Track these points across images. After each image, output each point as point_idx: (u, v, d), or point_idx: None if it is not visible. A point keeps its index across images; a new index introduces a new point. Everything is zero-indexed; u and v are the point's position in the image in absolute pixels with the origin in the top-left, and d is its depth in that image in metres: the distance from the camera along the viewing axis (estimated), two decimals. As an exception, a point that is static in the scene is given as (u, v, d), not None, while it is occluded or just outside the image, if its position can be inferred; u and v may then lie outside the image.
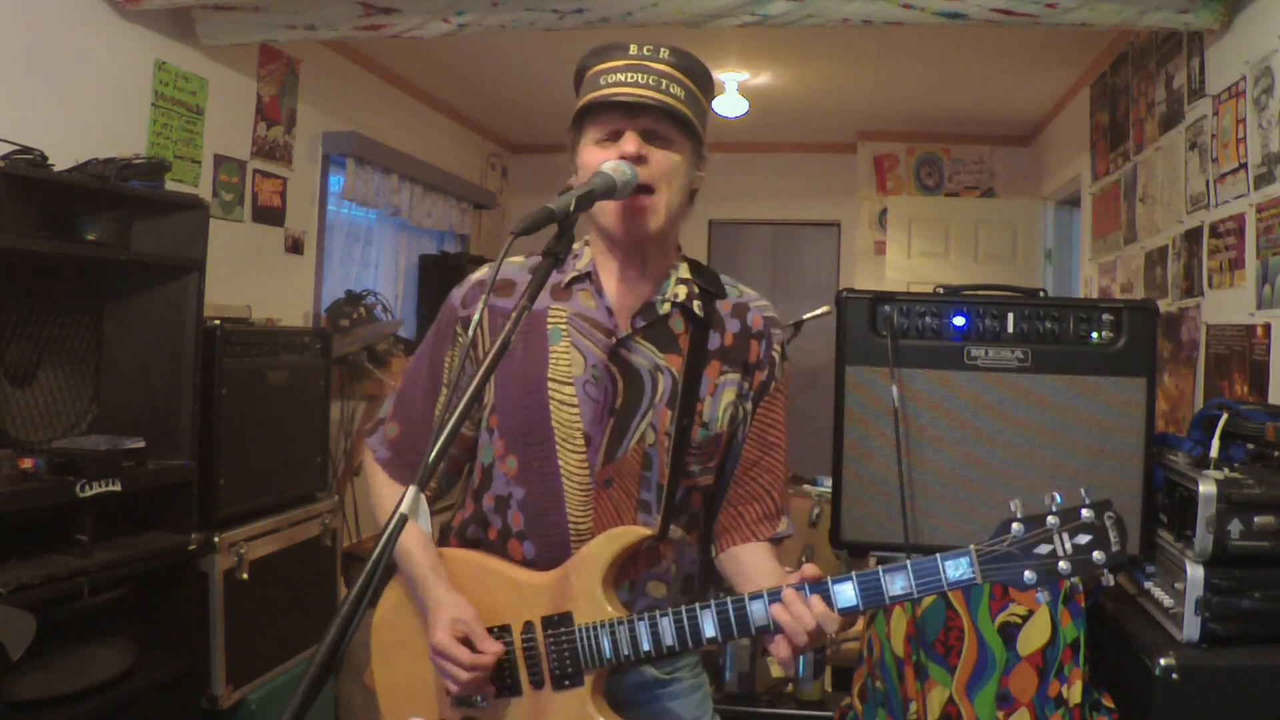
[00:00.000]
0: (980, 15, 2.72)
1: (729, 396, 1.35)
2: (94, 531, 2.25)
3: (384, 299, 4.40)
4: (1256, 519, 1.78)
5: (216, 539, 2.61)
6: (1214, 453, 1.94)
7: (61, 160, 2.36)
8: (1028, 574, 1.11)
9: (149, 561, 2.40)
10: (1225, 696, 1.78)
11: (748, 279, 1.47)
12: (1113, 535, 1.10)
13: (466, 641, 1.26)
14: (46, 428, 2.41)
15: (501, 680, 1.30)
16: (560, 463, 1.30)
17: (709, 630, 1.20)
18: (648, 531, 1.28)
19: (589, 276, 1.35)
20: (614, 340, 1.32)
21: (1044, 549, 1.11)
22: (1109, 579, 1.11)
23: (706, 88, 1.36)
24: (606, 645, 1.24)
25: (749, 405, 1.38)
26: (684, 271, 1.38)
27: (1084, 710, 2.01)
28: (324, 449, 3.20)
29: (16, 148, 2.26)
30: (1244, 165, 2.58)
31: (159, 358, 2.55)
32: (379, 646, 1.41)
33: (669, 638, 1.22)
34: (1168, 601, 1.92)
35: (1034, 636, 2.04)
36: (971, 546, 1.13)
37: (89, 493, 2.20)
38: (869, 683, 2.18)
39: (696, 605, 1.21)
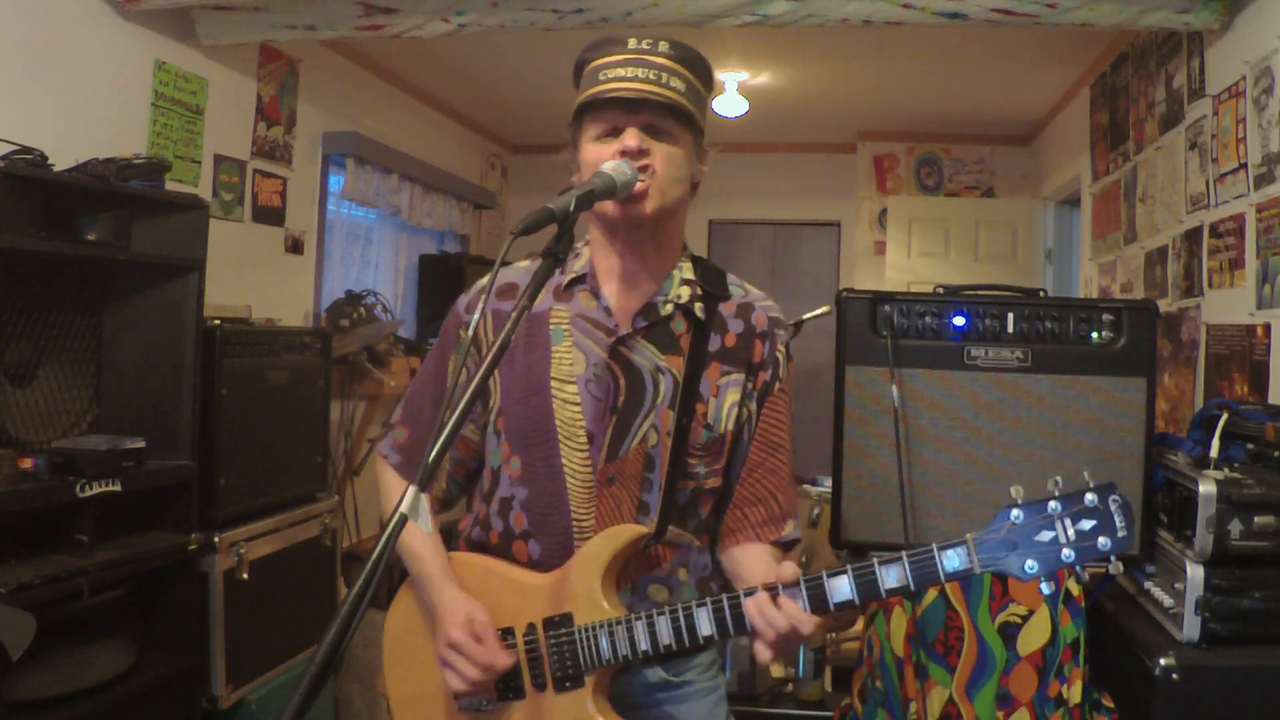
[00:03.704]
0: (980, 15, 2.72)
1: (733, 397, 1.34)
2: (94, 531, 2.24)
3: (384, 299, 4.40)
4: (1256, 519, 1.78)
5: (216, 539, 2.60)
6: (1214, 453, 1.95)
7: (61, 160, 2.36)
8: (1029, 563, 1.04)
9: (149, 561, 2.40)
10: (1225, 696, 1.78)
11: (747, 279, 1.46)
12: (1119, 521, 1.02)
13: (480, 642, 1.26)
14: (46, 428, 2.41)
15: (505, 683, 1.29)
16: (564, 461, 1.30)
17: (705, 628, 1.19)
18: (645, 530, 1.27)
19: (584, 278, 1.35)
20: (614, 339, 1.31)
21: (1046, 536, 1.04)
22: (1117, 567, 1.03)
23: (706, 79, 1.36)
24: (605, 645, 1.23)
25: (753, 405, 1.36)
26: (688, 271, 1.36)
27: (1084, 710, 2.01)
28: (324, 449, 3.20)
29: (16, 148, 2.26)
30: (1244, 165, 2.58)
31: (159, 358, 2.55)
32: (391, 654, 1.41)
33: (666, 636, 1.21)
34: (1168, 601, 1.92)
35: (1034, 636, 2.04)
36: (969, 536, 1.08)
37: (89, 493, 2.20)
38: (869, 683, 2.18)
39: (693, 603, 1.20)
